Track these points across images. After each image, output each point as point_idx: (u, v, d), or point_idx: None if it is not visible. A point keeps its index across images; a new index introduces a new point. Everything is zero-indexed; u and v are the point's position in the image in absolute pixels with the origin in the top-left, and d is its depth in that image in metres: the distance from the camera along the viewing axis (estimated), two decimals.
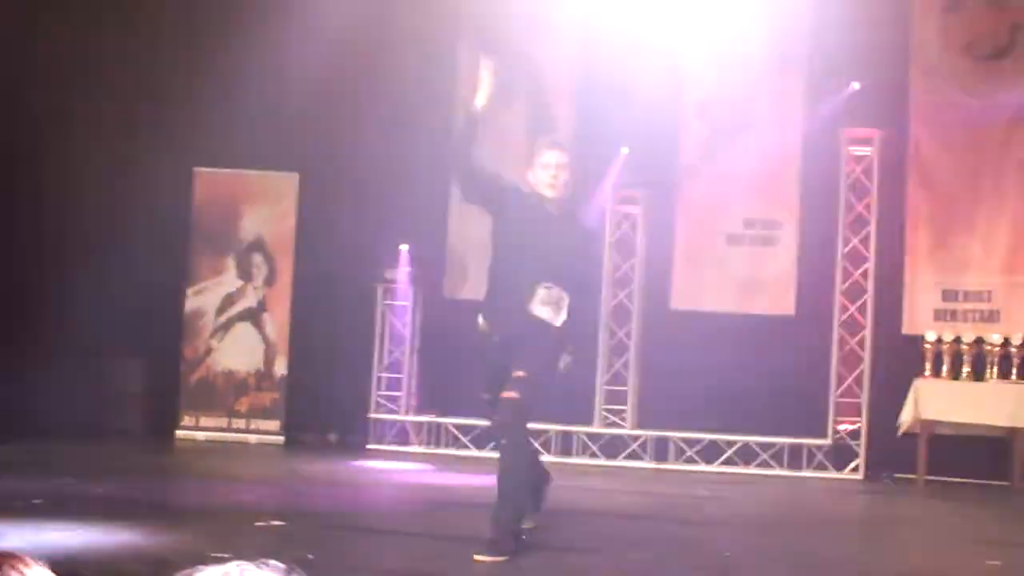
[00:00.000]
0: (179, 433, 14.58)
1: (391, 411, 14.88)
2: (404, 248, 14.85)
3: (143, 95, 14.64)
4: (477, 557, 7.55)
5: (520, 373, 7.88)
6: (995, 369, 13.38)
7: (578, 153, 14.55)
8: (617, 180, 14.46)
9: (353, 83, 14.88)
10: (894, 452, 13.67)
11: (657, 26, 14.14)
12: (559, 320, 8.06)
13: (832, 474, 13.70)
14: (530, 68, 14.93)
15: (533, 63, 14.93)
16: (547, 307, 8.05)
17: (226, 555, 6.74)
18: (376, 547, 8.13)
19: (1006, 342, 13.33)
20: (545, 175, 8.16)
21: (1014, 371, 13.32)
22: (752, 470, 13.77)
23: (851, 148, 14.04)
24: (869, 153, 14.02)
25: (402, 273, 14.87)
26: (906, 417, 13.34)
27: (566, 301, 8.09)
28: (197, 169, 14.89)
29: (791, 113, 14.34)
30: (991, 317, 13.73)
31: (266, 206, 14.95)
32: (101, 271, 13.86)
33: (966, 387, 13.39)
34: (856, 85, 13.94)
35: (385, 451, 14.43)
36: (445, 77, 15.09)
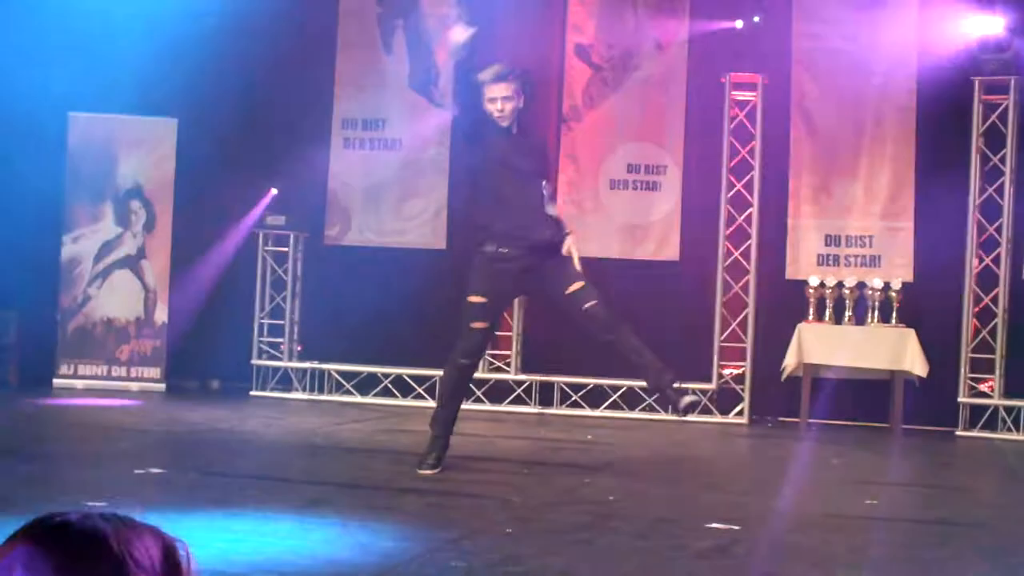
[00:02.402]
0: (56, 382, 14.34)
1: (274, 357, 14.75)
2: (275, 192, 14.67)
3: (13, 38, 14.29)
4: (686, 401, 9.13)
5: (579, 284, 8.99)
6: (876, 313, 13.51)
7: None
8: None
9: (232, 26, 14.63)
10: (778, 396, 13.81)
11: None
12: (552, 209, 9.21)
13: (717, 418, 13.78)
14: (410, 10, 14.81)
15: (413, 4, 14.81)
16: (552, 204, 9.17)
17: (103, 504, 6.60)
18: (262, 493, 8.02)
19: (887, 287, 13.47)
20: (492, 108, 8.89)
21: (894, 315, 13.46)
22: (637, 414, 13.81)
23: (735, 93, 14.06)
24: (753, 98, 14.05)
25: (282, 219, 14.69)
26: (789, 361, 13.46)
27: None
28: (72, 114, 14.57)
29: (674, 57, 14.33)
30: (872, 262, 13.86)
31: (144, 152, 14.68)
32: None
33: (848, 331, 13.53)
34: (739, 23, 13.97)
35: (268, 397, 14.32)
36: (327, 20, 14.93)
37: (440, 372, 13.69)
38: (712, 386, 13.85)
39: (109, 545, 1.78)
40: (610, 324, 9.07)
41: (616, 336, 9.09)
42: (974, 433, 13.18)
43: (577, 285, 8.96)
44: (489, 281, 8.96)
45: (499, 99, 8.89)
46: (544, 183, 9.17)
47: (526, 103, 9.16)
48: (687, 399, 8.98)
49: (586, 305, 8.94)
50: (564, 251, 8.99)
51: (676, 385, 9.12)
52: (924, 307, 13.56)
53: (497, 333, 14.28)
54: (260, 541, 6.46)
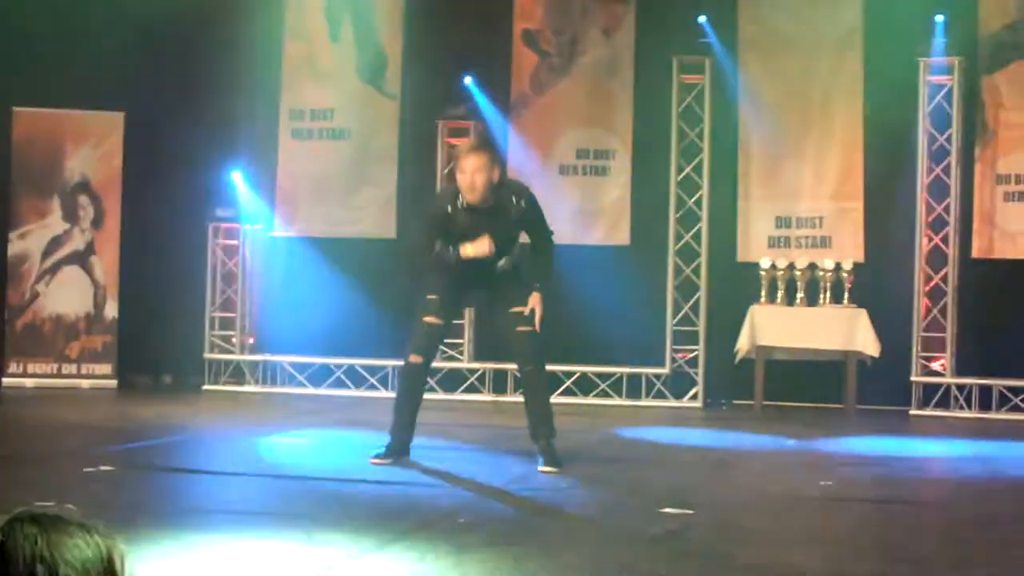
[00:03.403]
0: (5, 381, 14.19)
1: (226, 351, 14.68)
2: (234, 186, 14.60)
3: None
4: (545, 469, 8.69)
5: (521, 308, 8.80)
6: (828, 294, 13.55)
7: (413, 83, 14.56)
8: (448, 112, 14.33)
9: (178, 18, 14.53)
10: (732, 379, 13.83)
11: None
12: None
13: (671, 402, 13.80)
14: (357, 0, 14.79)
15: None
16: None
17: (50, 503, 6.54)
18: (214, 488, 7.98)
19: (838, 267, 13.50)
20: (463, 179, 8.66)
21: (846, 296, 13.50)
22: (591, 400, 13.81)
23: (683, 76, 14.05)
24: (701, 81, 14.04)
25: (232, 211, 14.62)
26: (742, 344, 13.50)
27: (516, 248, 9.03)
28: (16, 108, 14.43)
29: (621, 42, 14.32)
30: (823, 243, 13.90)
31: (91, 146, 14.56)
32: None
33: (800, 312, 13.58)
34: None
35: (221, 391, 14.25)
36: (274, 10, 14.87)
37: (392, 362, 13.76)
38: (666, 370, 13.87)
39: (39, 553, 1.76)
40: (531, 357, 8.97)
41: (531, 369, 9.02)
42: (927, 412, 13.25)
43: (521, 308, 8.83)
44: (443, 279, 8.90)
45: (469, 172, 8.61)
46: (502, 260, 8.83)
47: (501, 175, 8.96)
48: (550, 469, 8.75)
49: (519, 328, 8.85)
50: (529, 304, 8.83)
51: (551, 444, 8.89)
52: (875, 287, 13.62)
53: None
54: (208, 536, 6.41)
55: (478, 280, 8.87)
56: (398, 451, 8.96)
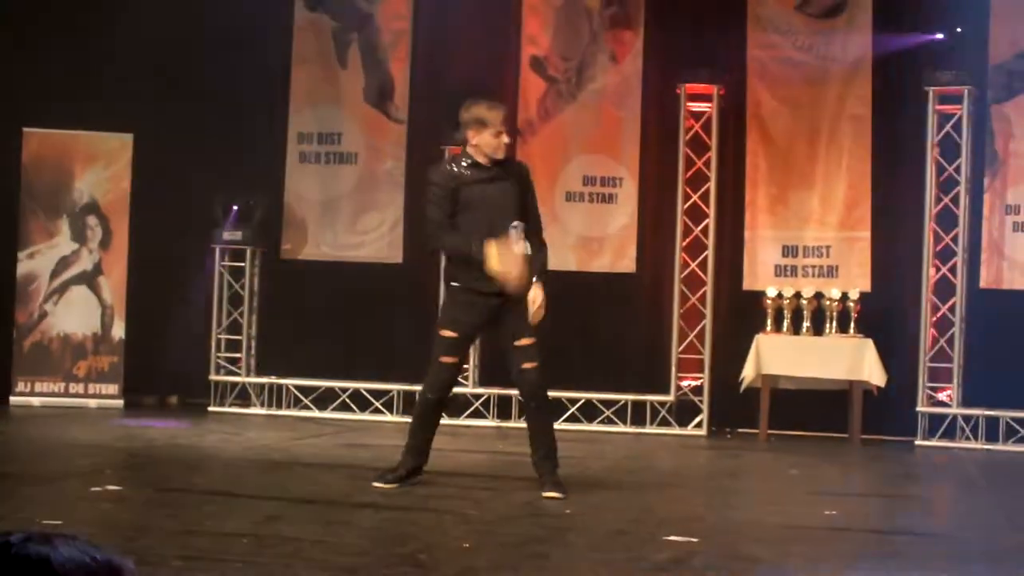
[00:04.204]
0: (13, 399, 14.23)
1: (232, 373, 14.70)
2: (237, 208, 14.63)
3: None
4: (549, 495, 8.71)
5: (529, 341, 8.84)
6: (834, 324, 13.54)
7: (420, 108, 14.60)
8: (455, 137, 14.32)
9: (186, 42, 14.60)
10: (737, 407, 13.81)
11: None
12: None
13: (676, 430, 13.78)
14: (364, 25, 14.83)
15: (367, 19, 14.82)
16: (523, 242, 8.86)
17: (58, 522, 6.51)
18: (219, 509, 7.97)
19: (844, 297, 13.50)
20: (501, 141, 8.84)
21: (852, 325, 13.49)
22: (595, 427, 13.80)
23: (690, 104, 14.06)
24: (708, 109, 14.06)
25: (238, 234, 14.65)
26: (748, 372, 13.48)
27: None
28: (26, 129, 14.47)
29: (629, 69, 14.34)
30: (830, 272, 13.89)
31: (99, 168, 14.59)
32: None
33: (806, 342, 13.56)
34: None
35: (226, 413, 14.26)
36: (281, 35, 14.91)
37: (397, 386, 13.76)
38: (671, 398, 13.85)
39: (52, 569, 1.76)
40: (535, 393, 9.00)
41: (535, 405, 9.05)
42: (933, 442, 13.21)
43: (527, 341, 8.86)
44: (459, 314, 8.93)
45: (505, 132, 8.89)
46: (516, 223, 8.87)
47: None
48: (555, 493, 8.74)
49: (525, 364, 8.87)
50: (529, 298, 8.83)
51: (554, 475, 8.91)
52: (882, 317, 13.60)
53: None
54: (216, 559, 6.41)
55: (488, 304, 8.84)
56: (406, 477, 8.98)
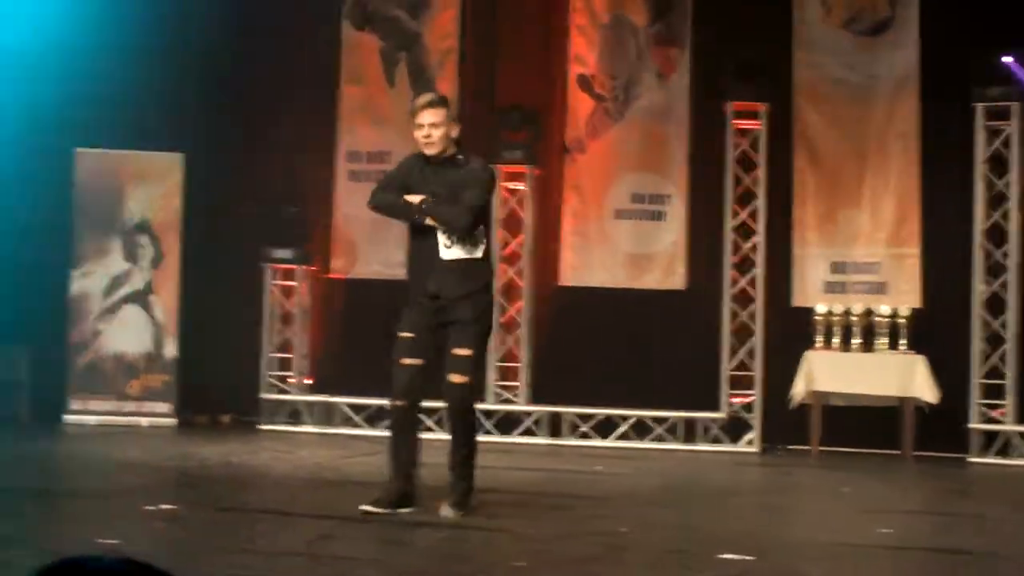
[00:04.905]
0: (67, 419, 14.33)
1: (283, 391, 14.75)
2: (292, 227, 14.69)
3: (21, 75, 14.32)
4: (444, 511, 8.34)
5: (464, 352, 8.42)
6: (884, 340, 13.49)
7: (468, 125, 14.60)
8: (504, 155, 14.34)
9: (237, 60, 14.70)
10: (788, 424, 13.76)
11: None
12: (479, 251, 8.55)
13: (727, 447, 13.75)
14: (412, 44, 14.88)
15: (415, 38, 14.88)
16: (458, 247, 8.46)
17: (114, 541, 6.53)
18: (272, 528, 7.99)
19: (894, 313, 13.46)
20: (420, 135, 8.53)
21: (902, 342, 13.44)
22: (647, 444, 13.79)
23: (737, 121, 14.05)
24: (756, 127, 14.04)
25: (289, 253, 14.72)
26: (798, 389, 13.44)
27: (479, 230, 8.58)
28: (78, 150, 14.59)
29: (677, 87, 14.35)
30: (879, 289, 13.85)
31: (151, 187, 14.71)
32: None
33: (856, 358, 13.51)
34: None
35: (278, 431, 14.31)
36: (329, 53, 14.97)
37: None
38: (722, 415, 13.82)
39: None
40: (456, 409, 8.63)
41: (455, 420, 8.69)
42: (986, 459, 13.13)
43: (461, 351, 8.45)
44: (413, 315, 8.62)
45: (426, 125, 8.47)
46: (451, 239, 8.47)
47: (461, 134, 8.78)
48: (449, 512, 8.34)
49: (454, 377, 8.46)
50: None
51: (455, 493, 8.49)
52: (933, 333, 13.52)
53: (506, 364, 14.33)
54: None
55: (433, 309, 8.50)
56: (396, 501, 8.47)
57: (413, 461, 8.59)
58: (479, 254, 8.56)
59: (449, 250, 8.46)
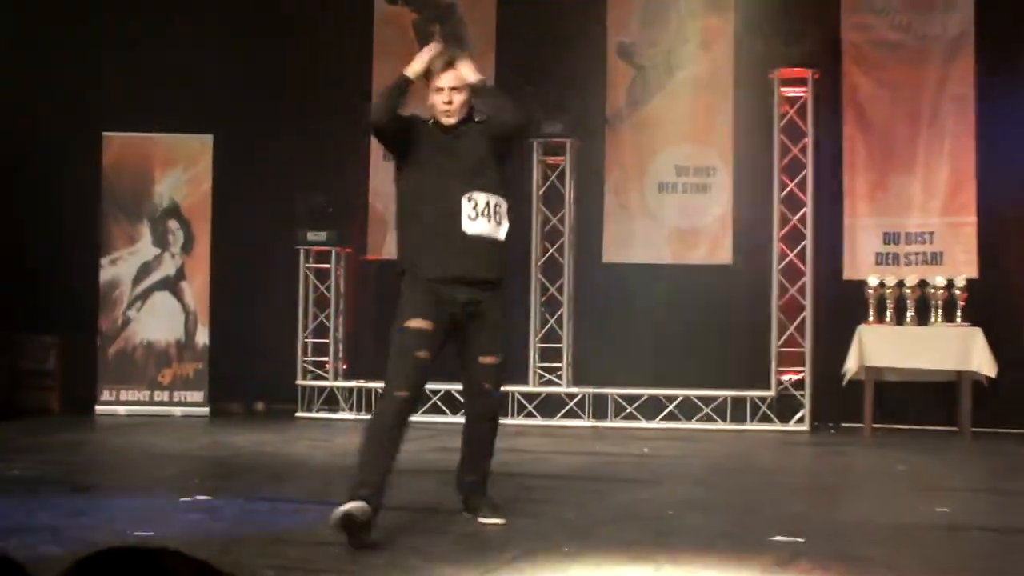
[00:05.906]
0: (99, 408, 14.13)
1: (319, 377, 14.49)
2: (325, 208, 14.44)
3: (46, 59, 14.11)
4: (490, 521, 7.55)
5: (499, 360, 7.61)
6: (939, 312, 13.14)
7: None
8: (543, 129, 14.02)
9: (266, 41, 14.48)
10: (840, 401, 13.49)
11: None
12: (502, 232, 7.31)
13: (777, 426, 13.47)
14: (447, 15, 14.63)
15: (449, 9, 14.62)
16: (484, 219, 7.21)
17: (150, 533, 6.24)
18: (310, 518, 7.73)
19: (950, 284, 13.11)
20: (439, 99, 7.28)
21: (959, 314, 13.07)
22: (695, 424, 13.54)
23: (784, 89, 13.70)
24: (803, 94, 13.68)
25: (323, 235, 14.44)
26: (851, 365, 13.14)
27: (504, 206, 7.31)
28: (106, 134, 14.35)
29: (720, 55, 14.05)
30: (934, 259, 13.51)
31: (180, 170, 14.46)
32: (10, 244, 13.42)
33: (911, 332, 13.17)
34: None
35: (314, 418, 14.08)
36: (362, 33, 14.77)
37: None
38: (771, 393, 13.52)
39: None
40: (490, 415, 7.77)
41: (487, 428, 7.79)
42: None
43: (491, 360, 7.58)
44: (429, 303, 7.30)
45: (447, 89, 7.23)
46: (470, 194, 7.20)
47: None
48: (497, 519, 7.53)
49: (487, 385, 7.64)
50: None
51: (490, 499, 7.73)
52: (991, 304, 13.21)
53: (547, 345, 14.05)
54: (310, 569, 6.17)
55: (454, 302, 7.37)
56: (368, 526, 6.86)
57: (390, 467, 7.32)
58: (502, 235, 7.32)
59: (474, 223, 7.18)
